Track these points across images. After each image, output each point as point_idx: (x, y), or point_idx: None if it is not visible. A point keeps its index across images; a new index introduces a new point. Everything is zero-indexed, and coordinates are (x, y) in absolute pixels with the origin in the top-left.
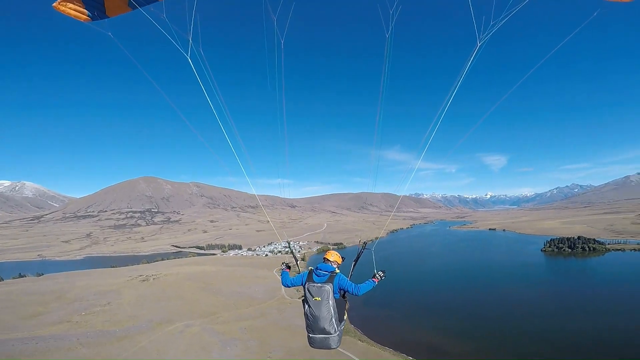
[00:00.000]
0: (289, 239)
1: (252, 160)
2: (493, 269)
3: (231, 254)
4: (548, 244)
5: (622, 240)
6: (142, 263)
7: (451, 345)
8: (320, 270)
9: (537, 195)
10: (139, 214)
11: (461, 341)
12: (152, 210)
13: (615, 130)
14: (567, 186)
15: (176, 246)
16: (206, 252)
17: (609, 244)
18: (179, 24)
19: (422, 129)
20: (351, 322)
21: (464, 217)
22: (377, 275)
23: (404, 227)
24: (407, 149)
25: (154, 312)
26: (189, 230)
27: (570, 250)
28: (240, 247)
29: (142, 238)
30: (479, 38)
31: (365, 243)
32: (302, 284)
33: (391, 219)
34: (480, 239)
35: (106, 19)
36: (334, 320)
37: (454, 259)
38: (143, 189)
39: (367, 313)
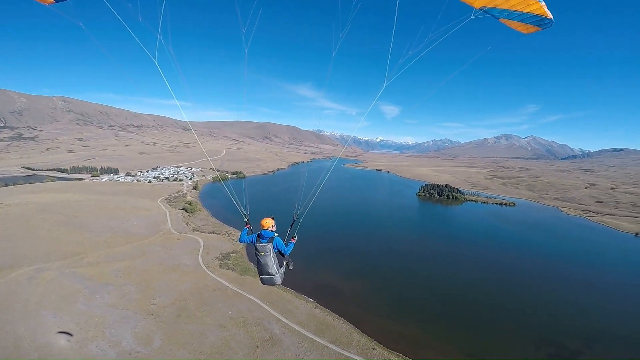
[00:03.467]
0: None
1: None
2: (378, 209)
3: (104, 179)
4: (422, 189)
5: (476, 192)
6: None
7: (343, 284)
8: (263, 236)
9: (416, 144)
10: None
11: (351, 280)
12: None
13: (486, 101)
14: (441, 140)
15: (28, 168)
16: (70, 176)
17: (467, 194)
18: None
19: (335, 68)
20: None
21: (356, 156)
22: (295, 237)
23: (305, 161)
24: (318, 87)
25: None
26: (47, 149)
27: (438, 196)
28: (116, 172)
29: None
30: None
31: (297, 214)
32: (252, 243)
33: (293, 151)
34: (369, 178)
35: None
36: (274, 266)
37: (347, 196)
38: None
39: None
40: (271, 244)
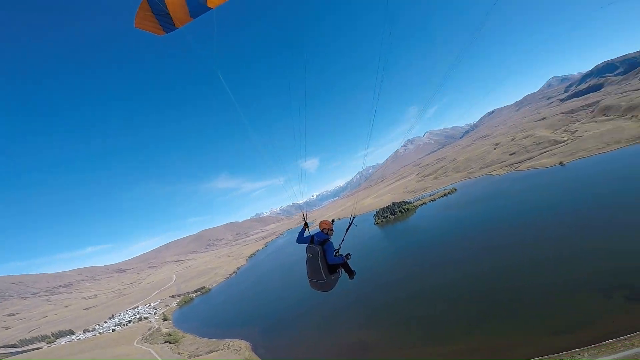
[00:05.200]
0: (306, 214)
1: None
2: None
3: (63, 342)
4: (376, 217)
5: (419, 197)
6: None
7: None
8: (316, 238)
9: (347, 182)
10: None
11: (361, 335)
12: None
13: (382, 120)
14: (364, 169)
15: None
16: (24, 349)
17: (414, 201)
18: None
19: (247, 152)
20: None
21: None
22: (348, 256)
23: (260, 248)
24: (235, 173)
25: None
26: None
27: (393, 216)
28: (72, 332)
29: None
30: None
31: (353, 218)
32: (307, 244)
33: (242, 246)
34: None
35: (176, 30)
36: (323, 271)
37: None
38: None
39: None
40: (321, 247)
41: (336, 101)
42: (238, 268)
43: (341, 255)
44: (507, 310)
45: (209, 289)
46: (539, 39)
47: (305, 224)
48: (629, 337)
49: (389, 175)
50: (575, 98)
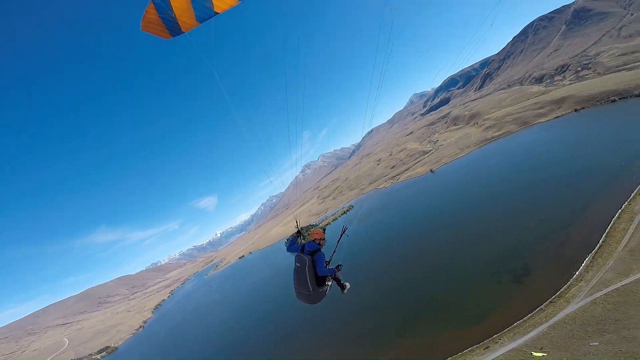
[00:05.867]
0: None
1: None
2: (274, 294)
3: None
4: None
5: (323, 218)
6: None
7: None
8: (307, 247)
9: (252, 216)
10: None
11: None
12: None
13: (279, 147)
14: (267, 200)
15: None
16: None
17: (319, 223)
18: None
19: (128, 199)
20: None
21: (212, 260)
22: (339, 267)
23: (165, 298)
24: (116, 224)
25: None
26: None
27: (303, 240)
28: None
29: None
30: None
31: (345, 228)
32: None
33: (146, 296)
34: (240, 269)
35: (182, 34)
36: (309, 283)
37: (242, 310)
38: None
39: None
40: (311, 257)
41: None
42: (144, 321)
43: (332, 268)
44: (426, 312)
45: (116, 347)
46: (397, 61)
47: (298, 232)
48: (530, 316)
49: (293, 202)
50: (432, 112)
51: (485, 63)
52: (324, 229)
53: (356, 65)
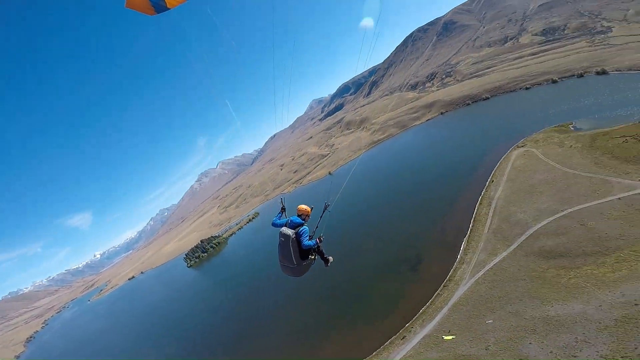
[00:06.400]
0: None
1: None
2: (177, 313)
3: None
4: (188, 259)
5: (227, 228)
6: None
7: None
8: (291, 221)
9: (140, 233)
10: None
11: None
12: None
13: (170, 155)
14: (158, 213)
15: None
16: None
17: (222, 234)
18: None
19: None
20: None
21: (93, 285)
22: (320, 238)
23: (38, 329)
24: None
25: None
26: None
27: (205, 254)
28: None
29: None
30: None
31: (327, 205)
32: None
33: (10, 328)
34: (131, 291)
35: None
36: (294, 256)
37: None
38: None
39: None
40: (295, 231)
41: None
42: (17, 357)
43: (314, 239)
44: (345, 310)
45: None
46: (299, 67)
47: (283, 209)
48: (431, 301)
49: (190, 213)
50: (329, 117)
51: (373, 71)
52: (312, 207)
53: (259, 69)
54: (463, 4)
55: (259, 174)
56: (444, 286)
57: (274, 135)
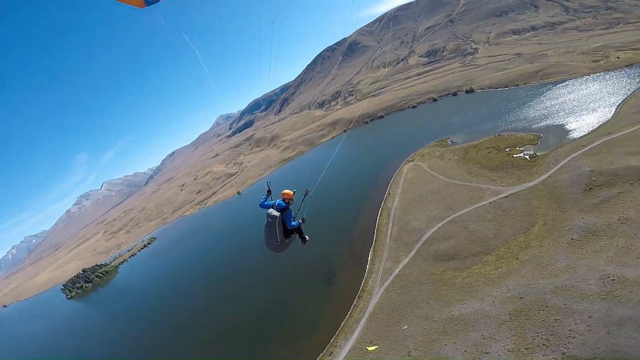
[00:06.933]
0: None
1: None
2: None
3: None
4: (68, 291)
5: (115, 256)
6: None
7: None
8: (277, 204)
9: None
10: None
11: None
12: None
13: (41, 174)
14: (23, 241)
15: None
16: None
17: (111, 262)
18: None
19: None
20: None
21: None
22: (303, 219)
23: None
24: None
25: None
26: None
27: (89, 284)
28: None
29: None
30: None
31: (308, 190)
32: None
33: None
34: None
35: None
36: (278, 235)
37: None
38: None
39: None
40: (280, 214)
41: None
42: None
43: (298, 220)
44: (271, 332)
45: None
46: (206, 84)
47: (269, 192)
48: (350, 313)
49: (67, 240)
50: (238, 134)
51: (284, 88)
52: (294, 191)
53: (154, 79)
54: (367, 25)
55: (154, 196)
56: (358, 297)
57: (173, 153)
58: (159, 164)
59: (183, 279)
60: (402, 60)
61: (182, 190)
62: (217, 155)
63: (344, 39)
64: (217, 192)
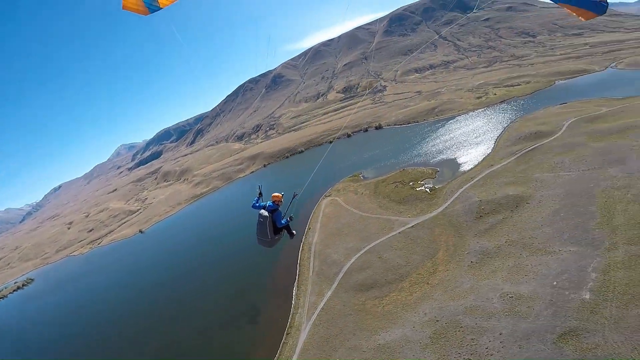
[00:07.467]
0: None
1: None
2: None
3: None
4: None
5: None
6: None
7: None
8: (268, 206)
9: None
10: None
11: None
12: None
13: None
14: None
15: None
16: None
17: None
18: None
19: None
20: None
21: None
22: (291, 218)
23: None
24: None
25: None
26: None
27: None
28: None
29: None
30: None
31: (296, 194)
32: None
33: None
34: None
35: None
36: (269, 232)
37: None
38: None
39: None
40: (270, 214)
41: None
42: None
43: (286, 219)
44: None
45: None
46: (106, 109)
47: (260, 194)
48: (280, 352)
49: None
50: (142, 166)
51: (200, 119)
52: (282, 194)
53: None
54: (292, 59)
55: (32, 234)
56: (287, 334)
57: (59, 187)
58: (40, 199)
59: (73, 324)
60: (321, 95)
61: (69, 228)
62: (115, 190)
63: (269, 71)
64: (114, 231)
